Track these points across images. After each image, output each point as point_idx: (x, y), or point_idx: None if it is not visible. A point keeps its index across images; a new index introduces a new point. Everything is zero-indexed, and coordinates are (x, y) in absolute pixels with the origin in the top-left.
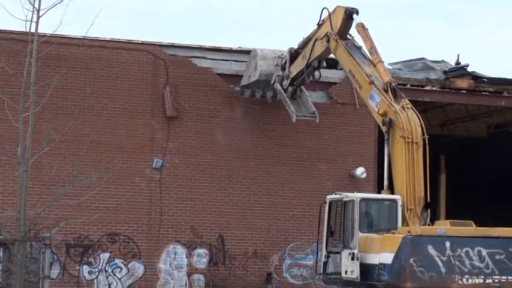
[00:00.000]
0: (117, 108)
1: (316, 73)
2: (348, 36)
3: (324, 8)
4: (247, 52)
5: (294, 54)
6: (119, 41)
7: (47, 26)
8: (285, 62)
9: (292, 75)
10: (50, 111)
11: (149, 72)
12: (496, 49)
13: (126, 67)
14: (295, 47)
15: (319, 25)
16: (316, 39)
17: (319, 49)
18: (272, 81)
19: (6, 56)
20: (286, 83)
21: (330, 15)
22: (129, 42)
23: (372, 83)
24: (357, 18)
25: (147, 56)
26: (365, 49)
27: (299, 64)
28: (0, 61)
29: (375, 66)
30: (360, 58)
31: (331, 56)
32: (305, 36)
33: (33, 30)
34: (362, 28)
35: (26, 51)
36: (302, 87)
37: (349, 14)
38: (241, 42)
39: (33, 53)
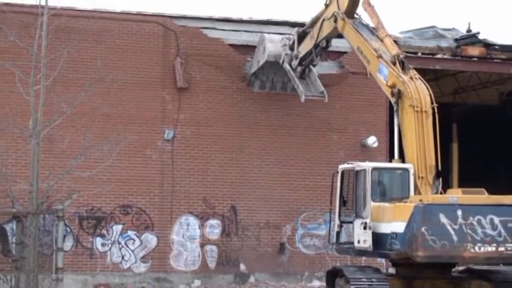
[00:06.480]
0: (128, 80)
1: (324, 55)
2: (355, 15)
3: None
4: (258, 22)
5: (301, 35)
6: (129, 13)
7: None
8: (293, 43)
9: (300, 55)
10: (60, 84)
11: (160, 43)
12: (508, 16)
13: (136, 39)
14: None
15: (327, 5)
16: (323, 20)
17: (327, 29)
18: (281, 61)
19: (17, 29)
20: (295, 62)
21: None
22: (139, 14)
23: (379, 56)
24: None
25: (157, 27)
26: (372, 25)
27: (307, 44)
28: (11, 34)
29: (382, 40)
30: (367, 34)
31: None
32: (313, 16)
33: (43, 3)
34: (368, 5)
35: (36, 24)
36: (311, 66)
37: None
38: (252, 12)
39: (43, 25)
